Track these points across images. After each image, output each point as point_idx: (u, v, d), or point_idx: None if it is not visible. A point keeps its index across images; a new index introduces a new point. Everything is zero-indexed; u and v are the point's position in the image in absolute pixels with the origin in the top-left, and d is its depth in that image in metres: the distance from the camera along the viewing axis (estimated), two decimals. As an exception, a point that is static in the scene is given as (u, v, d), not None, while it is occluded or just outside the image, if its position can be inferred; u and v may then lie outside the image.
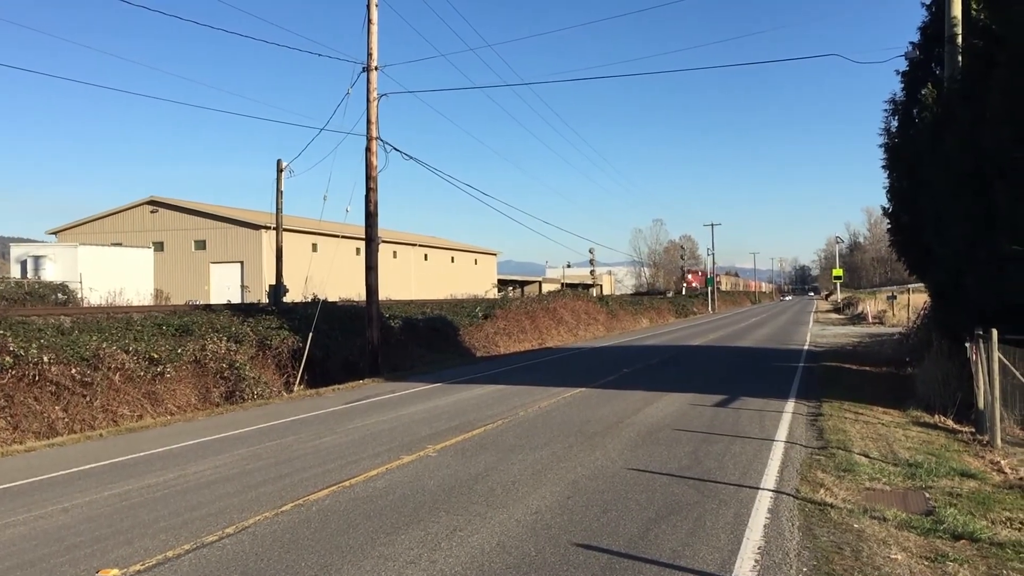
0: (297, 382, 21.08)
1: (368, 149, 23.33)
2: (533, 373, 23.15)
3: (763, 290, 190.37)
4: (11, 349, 14.67)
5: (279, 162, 33.75)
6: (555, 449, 11.30)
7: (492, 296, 66.26)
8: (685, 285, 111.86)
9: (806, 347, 32.25)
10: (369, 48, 23.32)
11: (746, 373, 22.06)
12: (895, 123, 19.80)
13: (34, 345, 15.19)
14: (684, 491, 8.72)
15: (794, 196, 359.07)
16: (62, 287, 40.16)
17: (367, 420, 14.61)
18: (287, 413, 16.13)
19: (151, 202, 59.80)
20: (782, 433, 12.31)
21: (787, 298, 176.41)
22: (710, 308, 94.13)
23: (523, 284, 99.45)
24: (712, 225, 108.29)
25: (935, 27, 18.00)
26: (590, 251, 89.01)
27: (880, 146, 20.19)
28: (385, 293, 32.78)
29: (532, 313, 40.85)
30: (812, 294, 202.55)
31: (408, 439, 12.40)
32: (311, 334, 21.77)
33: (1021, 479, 9.26)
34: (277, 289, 32.18)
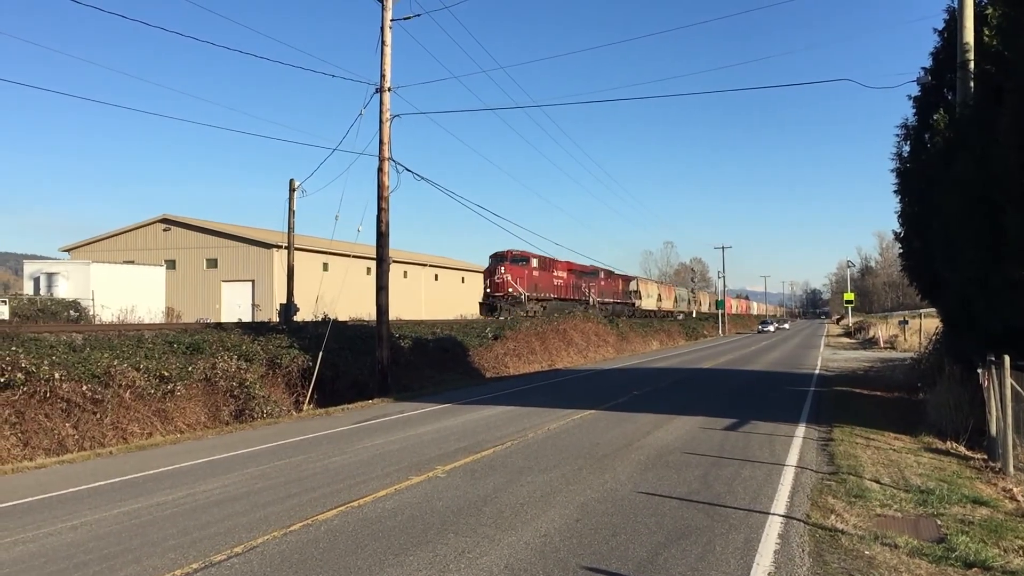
0: (307, 401, 21.10)
1: (380, 169, 23.46)
2: (543, 394, 23.09)
3: (774, 314, 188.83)
4: (23, 366, 14.75)
5: (291, 182, 34.07)
6: (564, 471, 11.26)
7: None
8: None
9: (817, 371, 32.11)
10: (383, 70, 23.49)
11: (756, 397, 21.96)
12: (907, 148, 19.84)
13: (46, 362, 15.27)
14: (694, 515, 8.68)
15: (805, 220, 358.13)
16: (74, 304, 40.40)
17: (376, 440, 14.60)
18: (296, 432, 16.14)
19: (164, 220, 60.17)
20: (793, 458, 12.24)
21: (769, 328, 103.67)
22: (720, 331, 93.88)
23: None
24: (722, 248, 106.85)
25: (947, 53, 18.06)
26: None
27: (892, 171, 20.25)
28: (395, 313, 32.80)
29: (542, 334, 40.81)
30: (824, 318, 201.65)
31: (417, 459, 12.39)
32: (321, 353, 21.82)
33: (1034, 507, 9.18)
34: (288, 308, 32.35)
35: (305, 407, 20.81)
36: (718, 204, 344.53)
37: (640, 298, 78.80)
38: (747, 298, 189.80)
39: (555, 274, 56.37)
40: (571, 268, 60.15)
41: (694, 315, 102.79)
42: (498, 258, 50.41)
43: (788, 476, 10.82)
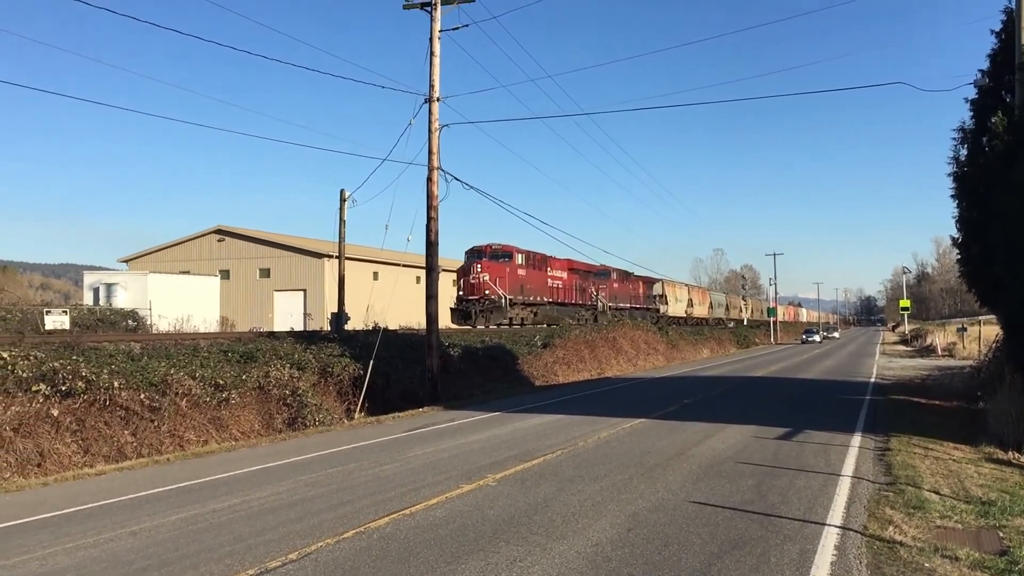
0: (358, 409, 21.26)
1: (429, 179, 23.61)
2: (592, 403, 23.02)
3: (825, 320, 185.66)
4: (83, 374, 15.08)
5: (342, 192, 34.46)
6: (615, 480, 11.21)
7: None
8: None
9: (872, 380, 31.55)
10: (431, 80, 23.67)
11: (810, 405, 21.65)
12: (964, 151, 19.41)
13: (105, 371, 15.60)
14: (747, 526, 8.58)
15: (859, 225, 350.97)
16: (132, 314, 41.35)
17: (427, 448, 14.67)
18: (348, 440, 16.28)
19: (218, 231, 61.30)
20: (848, 468, 12.04)
21: (814, 337, 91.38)
22: (772, 339, 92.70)
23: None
24: (774, 255, 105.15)
25: (1005, 54, 17.69)
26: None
27: (949, 175, 19.80)
28: (444, 322, 32.95)
29: (592, 342, 40.63)
30: (879, 325, 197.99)
31: (468, 468, 12.42)
32: (372, 362, 21.98)
33: (1102, 520, 8.90)
34: (339, 317, 32.69)
35: (356, 415, 20.97)
36: (770, 210, 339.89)
37: (666, 303, 69.45)
38: (799, 305, 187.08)
39: (550, 273, 46.59)
40: (573, 267, 50.28)
41: (745, 323, 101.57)
42: (474, 254, 40.63)
43: (844, 486, 10.65)
